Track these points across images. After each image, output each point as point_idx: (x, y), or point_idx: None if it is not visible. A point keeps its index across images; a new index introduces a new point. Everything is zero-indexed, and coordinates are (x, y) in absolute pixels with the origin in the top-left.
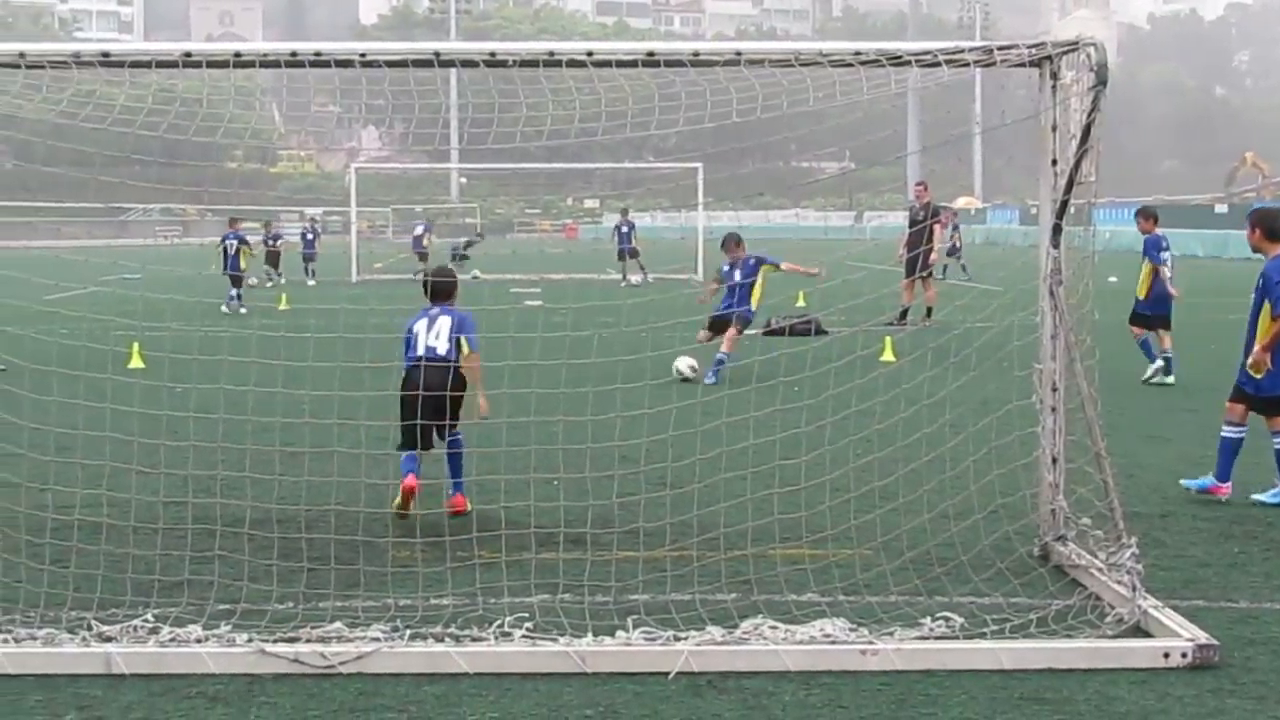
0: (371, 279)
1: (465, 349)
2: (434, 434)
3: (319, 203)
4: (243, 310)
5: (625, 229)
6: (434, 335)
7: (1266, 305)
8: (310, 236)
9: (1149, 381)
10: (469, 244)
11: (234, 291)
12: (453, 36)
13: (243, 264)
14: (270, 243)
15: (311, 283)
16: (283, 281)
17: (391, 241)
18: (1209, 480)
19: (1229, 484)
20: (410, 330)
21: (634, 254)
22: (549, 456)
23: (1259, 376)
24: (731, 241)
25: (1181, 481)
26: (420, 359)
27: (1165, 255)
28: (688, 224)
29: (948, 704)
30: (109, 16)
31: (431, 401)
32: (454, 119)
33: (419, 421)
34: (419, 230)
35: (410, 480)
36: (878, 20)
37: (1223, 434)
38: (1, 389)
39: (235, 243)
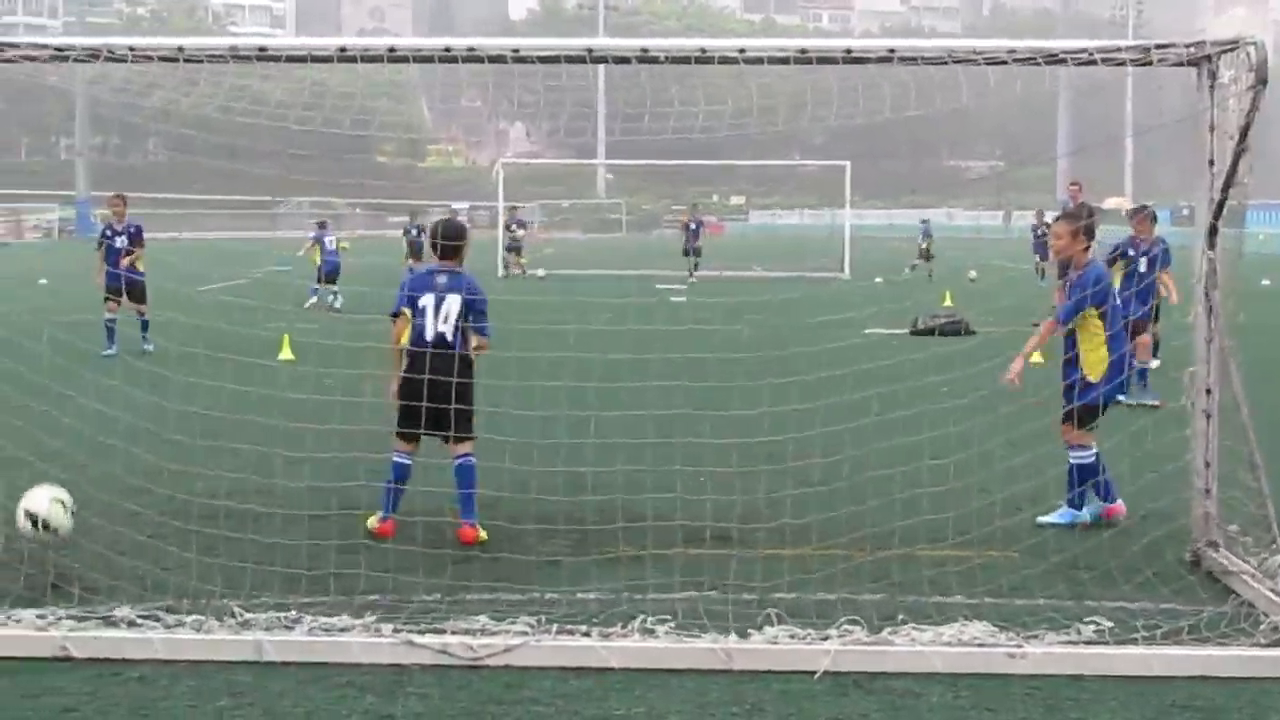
0: (518, 274)
1: (474, 340)
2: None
3: (467, 196)
4: (338, 305)
5: (694, 225)
6: (443, 319)
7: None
8: None
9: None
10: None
11: (334, 289)
12: (601, 32)
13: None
14: (413, 233)
15: None
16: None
17: (537, 237)
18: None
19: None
20: (416, 305)
21: (697, 252)
22: (695, 451)
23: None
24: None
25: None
26: (428, 346)
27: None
28: (835, 221)
29: (1097, 709)
30: (261, 11)
31: (438, 395)
32: (601, 114)
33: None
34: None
35: (389, 525)
36: (1026, 16)
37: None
38: (153, 374)
39: (335, 240)
